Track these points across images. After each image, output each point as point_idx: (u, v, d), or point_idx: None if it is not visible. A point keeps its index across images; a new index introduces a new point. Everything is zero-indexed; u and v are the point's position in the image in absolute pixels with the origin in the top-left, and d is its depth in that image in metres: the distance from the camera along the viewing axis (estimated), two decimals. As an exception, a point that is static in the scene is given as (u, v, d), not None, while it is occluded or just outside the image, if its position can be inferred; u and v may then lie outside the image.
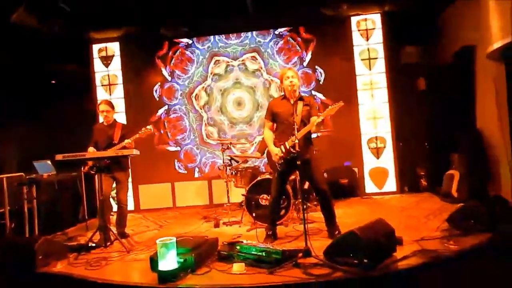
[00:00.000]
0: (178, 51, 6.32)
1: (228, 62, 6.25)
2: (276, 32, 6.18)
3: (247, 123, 6.24)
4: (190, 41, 6.29)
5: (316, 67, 6.14)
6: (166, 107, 6.33)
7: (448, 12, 5.55)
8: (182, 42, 6.30)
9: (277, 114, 3.58)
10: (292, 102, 3.35)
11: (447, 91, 5.36)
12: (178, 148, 6.31)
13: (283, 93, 3.67)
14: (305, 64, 6.17)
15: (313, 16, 5.78)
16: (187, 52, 6.31)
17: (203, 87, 6.30)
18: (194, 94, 6.30)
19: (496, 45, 3.95)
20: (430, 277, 2.68)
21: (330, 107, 3.39)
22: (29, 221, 4.40)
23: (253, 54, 6.22)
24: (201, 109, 6.30)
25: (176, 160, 6.28)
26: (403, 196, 5.68)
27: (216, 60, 6.27)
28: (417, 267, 2.65)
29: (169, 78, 6.33)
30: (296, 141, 3.11)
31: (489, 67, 4.43)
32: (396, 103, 5.90)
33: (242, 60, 6.23)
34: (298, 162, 3.11)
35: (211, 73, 6.28)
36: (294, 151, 3.16)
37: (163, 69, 6.32)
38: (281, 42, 6.18)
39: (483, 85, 4.77)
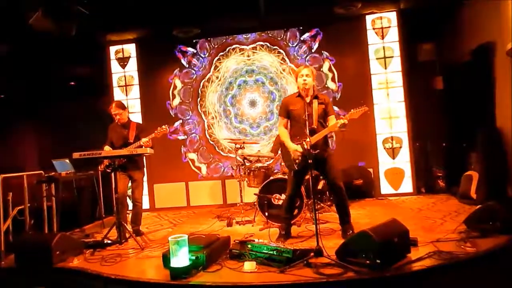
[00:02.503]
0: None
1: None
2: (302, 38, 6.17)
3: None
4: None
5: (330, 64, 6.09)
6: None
7: (465, 8, 5.41)
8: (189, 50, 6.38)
9: (292, 112, 3.55)
10: (308, 100, 3.33)
11: (465, 90, 5.23)
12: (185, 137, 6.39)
13: (297, 90, 3.65)
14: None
15: (327, 16, 5.74)
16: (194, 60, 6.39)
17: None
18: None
19: (517, 41, 3.83)
20: (445, 279, 2.61)
21: (353, 110, 3.35)
22: (48, 218, 4.53)
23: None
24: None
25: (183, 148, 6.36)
26: (419, 197, 5.57)
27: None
28: (431, 269, 2.58)
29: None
30: (309, 140, 3.10)
31: (508, 64, 4.29)
32: (412, 102, 5.81)
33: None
34: (310, 161, 3.08)
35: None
36: (313, 151, 3.13)
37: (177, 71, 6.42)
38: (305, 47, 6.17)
39: (502, 83, 4.63)
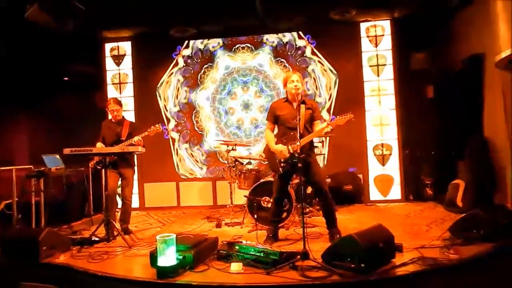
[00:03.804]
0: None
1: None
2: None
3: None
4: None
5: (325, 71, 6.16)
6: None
7: (457, 20, 5.53)
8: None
9: (279, 117, 3.61)
10: (295, 105, 3.37)
11: (455, 99, 5.33)
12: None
13: (285, 96, 3.70)
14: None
15: (322, 21, 5.81)
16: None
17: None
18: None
19: (505, 53, 3.93)
20: (428, 285, 2.66)
21: (338, 117, 3.41)
22: (36, 213, 4.49)
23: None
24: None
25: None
26: (407, 204, 5.65)
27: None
28: (415, 274, 2.63)
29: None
30: (298, 143, 3.14)
31: (497, 75, 4.40)
32: (404, 110, 5.89)
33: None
34: (299, 165, 3.12)
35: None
36: (298, 155, 3.18)
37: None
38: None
39: (491, 93, 4.73)
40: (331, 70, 6.10)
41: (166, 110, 6.40)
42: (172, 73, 6.41)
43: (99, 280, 2.85)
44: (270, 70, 6.23)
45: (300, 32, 6.16)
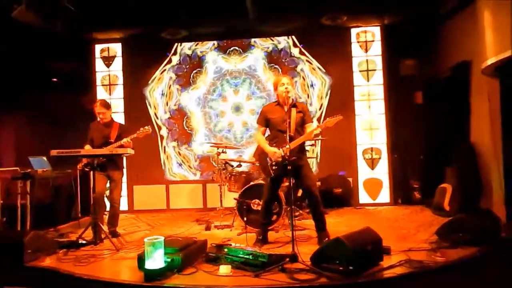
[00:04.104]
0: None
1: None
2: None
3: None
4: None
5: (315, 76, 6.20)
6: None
7: (446, 27, 5.63)
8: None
9: (270, 120, 3.62)
10: (286, 109, 3.39)
11: (443, 105, 5.42)
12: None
13: (276, 100, 3.72)
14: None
15: (313, 26, 5.86)
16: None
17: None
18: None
19: (491, 60, 4.01)
20: (415, 287, 2.69)
21: (328, 119, 3.43)
22: (21, 216, 4.41)
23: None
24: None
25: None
26: (396, 207, 5.70)
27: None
28: (402, 276, 2.66)
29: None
30: (288, 146, 3.16)
31: (484, 82, 4.49)
32: (393, 115, 5.97)
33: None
34: (289, 167, 3.13)
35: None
36: (288, 158, 3.19)
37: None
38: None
39: (478, 99, 4.82)
40: (322, 76, 6.15)
41: (157, 118, 6.37)
42: (164, 69, 6.37)
43: (85, 284, 2.80)
44: (263, 75, 6.25)
45: (296, 40, 6.19)
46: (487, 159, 4.55)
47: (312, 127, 3.56)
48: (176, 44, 6.34)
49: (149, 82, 6.37)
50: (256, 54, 6.28)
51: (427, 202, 5.48)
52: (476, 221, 3.36)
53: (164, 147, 6.33)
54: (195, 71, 6.35)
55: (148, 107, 6.35)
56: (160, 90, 6.38)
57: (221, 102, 6.31)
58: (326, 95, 6.14)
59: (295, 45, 6.21)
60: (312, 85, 6.17)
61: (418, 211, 5.27)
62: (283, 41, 6.24)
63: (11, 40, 5.23)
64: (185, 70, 6.36)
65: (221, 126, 6.30)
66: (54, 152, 3.63)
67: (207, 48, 6.36)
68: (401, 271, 2.70)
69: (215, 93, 6.32)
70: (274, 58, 6.25)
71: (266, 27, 6.03)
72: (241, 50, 6.31)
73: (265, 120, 3.66)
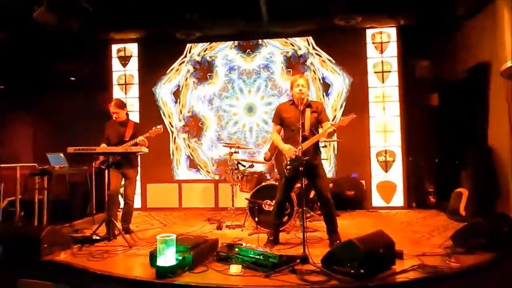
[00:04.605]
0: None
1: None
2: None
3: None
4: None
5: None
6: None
7: (463, 28, 5.52)
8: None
9: (285, 119, 3.61)
10: (301, 108, 3.39)
11: (459, 107, 5.30)
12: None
13: (291, 98, 3.71)
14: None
15: (327, 27, 5.82)
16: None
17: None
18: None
19: (511, 62, 3.91)
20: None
21: (342, 118, 3.41)
22: (38, 211, 4.52)
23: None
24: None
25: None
26: (410, 211, 5.61)
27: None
28: (414, 281, 2.61)
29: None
30: (300, 147, 3.15)
31: (503, 84, 4.38)
32: (408, 117, 5.88)
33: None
34: (301, 168, 3.12)
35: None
36: (303, 158, 3.18)
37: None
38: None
39: (496, 102, 4.71)
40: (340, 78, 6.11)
41: (172, 126, 6.43)
42: (183, 61, 6.42)
43: (98, 278, 2.85)
44: (280, 79, 6.23)
45: (313, 43, 6.15)
46: (505, 162, 4.44)
47: (327, 125, 3.54)
48: (189, 45, 6.40)
49: (166, 72, 6.42)
50: (275, 58, 6.25)
51: (442, 206, 5.38)
52: (491, 225, 3.28)
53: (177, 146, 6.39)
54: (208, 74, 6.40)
55: (162, 115, 6.43)
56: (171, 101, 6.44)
57: (235, 100, 6.32)
58: (341, 107, 6.07)
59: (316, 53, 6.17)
60: (327, 92, 6.12)
61: (433, 215, 5.18)
62: (303, 47, 6.18)
63: (31, 40, 5.37)
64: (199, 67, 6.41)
65: (236, 127, 6.31)
66: (71, 149, 3.71)
67: (226, 46, 6.36)
68: (414, 276, 2.65)
69: (229, 92, 6.34)
70: (293, 64, 6.20)
71: (279, 28, 6.01)
72: (249, 51, 6.31)
73: (280, 119, 3.66)
